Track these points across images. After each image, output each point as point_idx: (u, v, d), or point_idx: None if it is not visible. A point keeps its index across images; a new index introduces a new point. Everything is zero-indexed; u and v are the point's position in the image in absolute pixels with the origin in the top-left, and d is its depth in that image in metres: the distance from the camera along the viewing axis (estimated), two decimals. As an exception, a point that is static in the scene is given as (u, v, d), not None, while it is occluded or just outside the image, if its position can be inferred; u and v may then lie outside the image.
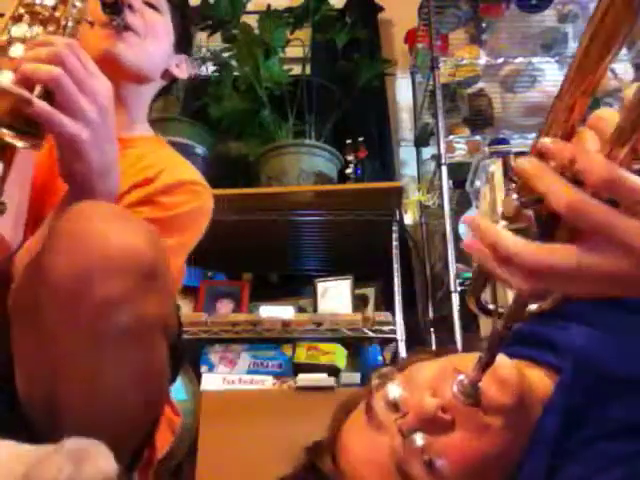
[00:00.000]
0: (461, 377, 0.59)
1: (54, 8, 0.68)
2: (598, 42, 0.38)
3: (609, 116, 0.41)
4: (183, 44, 1.13)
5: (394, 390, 0.64)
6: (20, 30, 0.66)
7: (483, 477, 0.61)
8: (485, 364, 0.57)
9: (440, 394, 0.61)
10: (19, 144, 0.61)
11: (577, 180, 0.39)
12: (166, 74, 1.09)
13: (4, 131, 0.60)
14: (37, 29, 0.66)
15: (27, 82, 0.61)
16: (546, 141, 0.41)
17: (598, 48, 0.38)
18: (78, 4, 0.69)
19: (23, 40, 0.65)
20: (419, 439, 0.60)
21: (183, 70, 1.13)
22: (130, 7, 0.97)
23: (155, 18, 1.03)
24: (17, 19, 0.66)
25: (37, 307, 0.61)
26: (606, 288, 0.40)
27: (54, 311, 0.60)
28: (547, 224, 0.43)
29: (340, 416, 0.71)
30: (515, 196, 0.43)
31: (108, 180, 0.69)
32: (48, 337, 0.61)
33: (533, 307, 0.53)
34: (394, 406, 0.63)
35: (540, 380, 0.65)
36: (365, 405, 0.66)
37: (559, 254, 0.40)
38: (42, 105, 0.61)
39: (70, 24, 0.67)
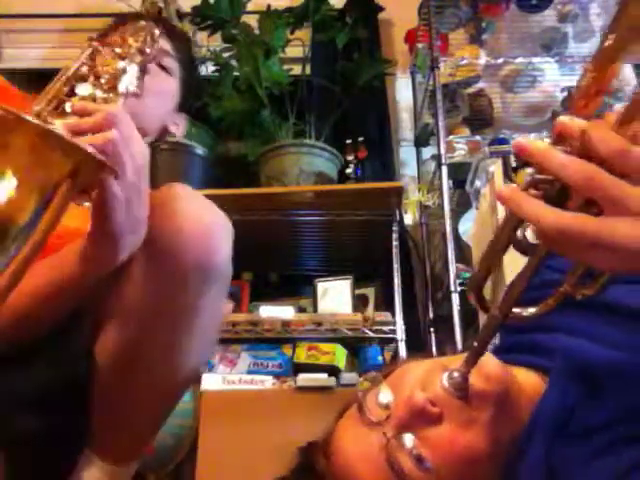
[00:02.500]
0: (451, 371, 0.60)
1: (115, 77, 0.72)
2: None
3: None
4: (186, 105, 1.21)
5: (383, 393, 0.66)
6: (85, 90, 0.69)
7: (472, 471, 0.61)
8: (476, 353, 0.57)
9: (430, 389, 0.62)
10: (87, 203, 0.64)
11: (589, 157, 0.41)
12: (163, 130, 1.16)
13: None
14: (98, 92, 0.70)
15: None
16: (563, 118, 0.44)
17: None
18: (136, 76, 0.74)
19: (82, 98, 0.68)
20: (408, 441, 0.61)
21: (180, 129, 1.21)
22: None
23: (165, 81, 1.12)
24: (82, 78, 0.70)
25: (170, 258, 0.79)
26: (626, 260, 0.41)
27: (190, 262, 0.79)
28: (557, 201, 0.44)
29: (334, 420, 0.72)
30: (530, 171, 0.45)
31: (134, 237, 0.72)
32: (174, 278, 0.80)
33: (532, 310, 0.54)
34: (385, 406, 0.65)
35: (529, 380, 0.66)
36: (357, 405, 0.67)
37: (581, 218, 0.42)
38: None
39: (123, 93, 0.71)
